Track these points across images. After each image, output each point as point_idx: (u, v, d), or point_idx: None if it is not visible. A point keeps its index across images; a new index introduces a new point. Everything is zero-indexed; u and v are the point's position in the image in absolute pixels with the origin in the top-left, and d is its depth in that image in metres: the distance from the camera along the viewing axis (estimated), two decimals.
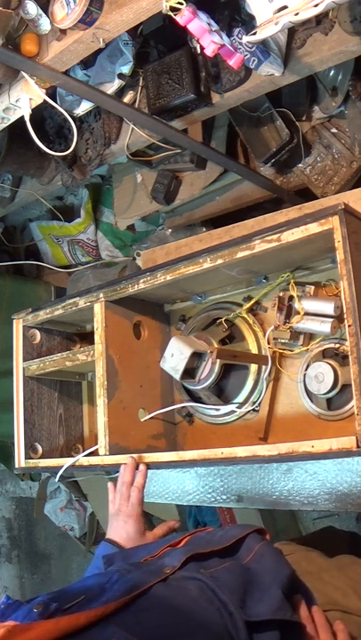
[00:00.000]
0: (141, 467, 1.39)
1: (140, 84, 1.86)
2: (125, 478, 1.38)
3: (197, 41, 1.32)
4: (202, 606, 0.84)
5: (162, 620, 0.80)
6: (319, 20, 1.57)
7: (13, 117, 1.56)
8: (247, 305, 1.54)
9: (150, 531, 1.31)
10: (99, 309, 1.55)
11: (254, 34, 1.18)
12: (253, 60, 1.57)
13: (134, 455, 1.41)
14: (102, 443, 1.49)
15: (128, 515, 1.31)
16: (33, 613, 0.78)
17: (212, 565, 0.95)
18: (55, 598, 0.83)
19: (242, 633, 0.80)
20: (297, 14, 1.09)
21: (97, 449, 1.51)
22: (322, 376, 1.35)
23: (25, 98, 1.46)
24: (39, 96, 1.47)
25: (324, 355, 1.42)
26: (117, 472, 1.54)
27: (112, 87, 1.77)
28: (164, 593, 0.86)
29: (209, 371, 1.48)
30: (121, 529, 1.29)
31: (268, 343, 1.47)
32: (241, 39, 1.54)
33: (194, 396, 1.64)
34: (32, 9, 1.33)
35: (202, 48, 1.29)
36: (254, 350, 1.53)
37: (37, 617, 0.78)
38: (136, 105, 1.87)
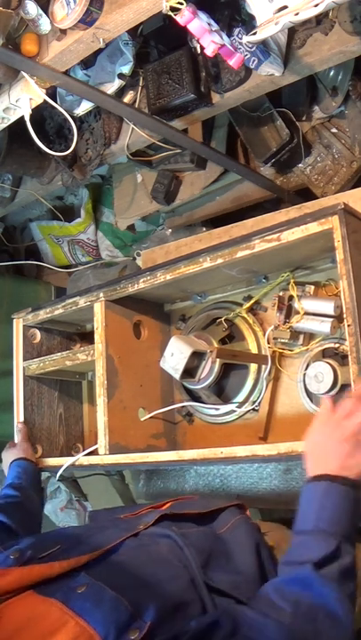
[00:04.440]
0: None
1: (140, 84, 1.86)
2: None
3: (197, 41, 1.32)
4: (169, 561, 0.88)
5: (128, 569, 0.84)
6: (319, 19, 1.57)
7: (13, 117, 1.57)
8: (247, 304, 1.54)
9: None
10: (99, 309, 1.55)
11: (254, 34, 1.18)
12: (253, 60, 1.57)
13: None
14: (102, 442, 1.49)
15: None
16: (9, 560, 0.83)
17: (184, 527, 1.00)
18: (31, 546, 0.87)
19: (204, 590, 0.83)
20: (297, 14, 1.10)
21: (97, 448, 1.51)
22: (322, 376, 1.35)
23: (25, 98, 1.46)
24: (39, 96, 1.47)
25: (324, 354, 1.42)
26: (118, 471, 1.54)
27: (112, 87, 1.77)
28: (133, 546, 0.90)
29: (209, 370, 1.48)
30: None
31: (268, 343, 1.47)
32: (241, 39, 1.54)
33: (194, 396, 1.64)
34: (32, 9, 1.33)
35: (202, 48, 1.29)
36: (254, 350, 1.53)
37: (13, 563, 0.82)
38: (136, 105, 1.87)
